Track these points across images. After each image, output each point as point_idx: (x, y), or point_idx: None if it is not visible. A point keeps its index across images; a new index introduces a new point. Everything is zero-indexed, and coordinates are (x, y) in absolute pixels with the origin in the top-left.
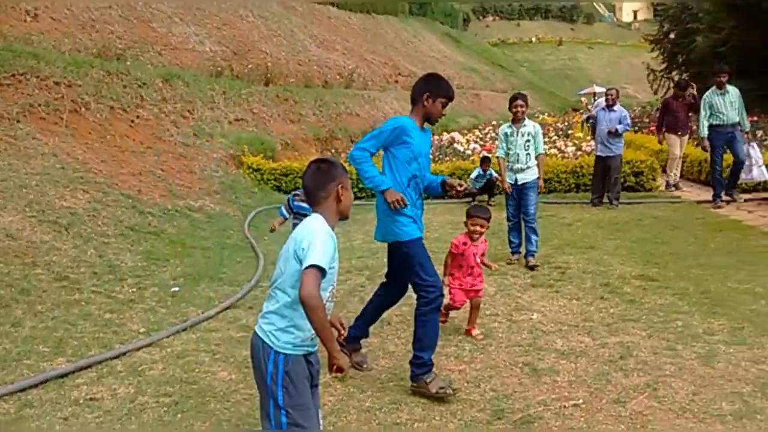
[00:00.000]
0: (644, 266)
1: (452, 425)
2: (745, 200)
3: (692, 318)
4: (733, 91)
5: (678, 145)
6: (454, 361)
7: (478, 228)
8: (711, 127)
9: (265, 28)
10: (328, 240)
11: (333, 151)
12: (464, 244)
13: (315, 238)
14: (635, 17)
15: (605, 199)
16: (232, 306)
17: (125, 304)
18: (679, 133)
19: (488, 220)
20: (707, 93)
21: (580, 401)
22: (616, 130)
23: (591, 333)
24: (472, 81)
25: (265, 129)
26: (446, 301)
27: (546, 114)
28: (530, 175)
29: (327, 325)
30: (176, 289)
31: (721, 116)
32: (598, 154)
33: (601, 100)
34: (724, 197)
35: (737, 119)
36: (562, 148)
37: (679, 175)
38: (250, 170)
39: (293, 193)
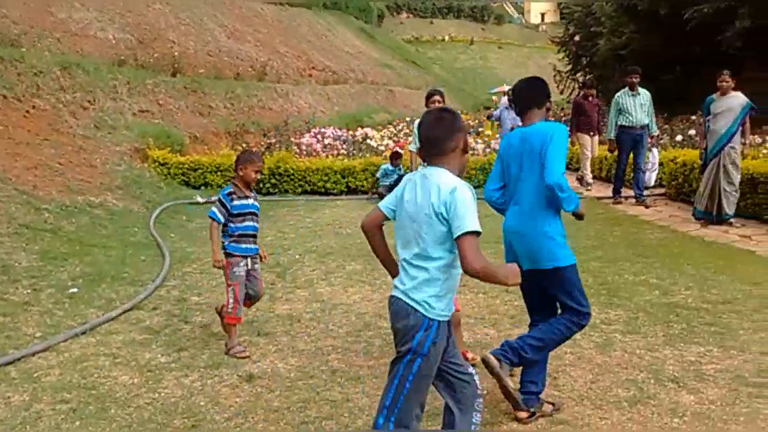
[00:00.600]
0: None
1: (360, 422)
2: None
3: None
4: (644, 93)
5: (590, 145)
6: (364, 357)
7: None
8: (620, 127)
9: (172, 16)
10: (472, 196)
11: (245, 145)
12: None
13: (461, 196)
14: (543, 19)
15: None
16: (135, 307)
17: (19, 307)
18: (591, 133)
19: None
20: (618, 94)
21: (485, 392)
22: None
23: (496, 325)
24: (387, 77)
25: (172, 121)
26: None
27: (459, 111)
28: None
29: (499, 277)
30: (75, 290)
31: (630, 117)
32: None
33: (505, 99)
34: (638, 205)
35: (646, 121)
36: (473, 145)
37: (590, 174)
38: (156, 164)
39: (226, 192)
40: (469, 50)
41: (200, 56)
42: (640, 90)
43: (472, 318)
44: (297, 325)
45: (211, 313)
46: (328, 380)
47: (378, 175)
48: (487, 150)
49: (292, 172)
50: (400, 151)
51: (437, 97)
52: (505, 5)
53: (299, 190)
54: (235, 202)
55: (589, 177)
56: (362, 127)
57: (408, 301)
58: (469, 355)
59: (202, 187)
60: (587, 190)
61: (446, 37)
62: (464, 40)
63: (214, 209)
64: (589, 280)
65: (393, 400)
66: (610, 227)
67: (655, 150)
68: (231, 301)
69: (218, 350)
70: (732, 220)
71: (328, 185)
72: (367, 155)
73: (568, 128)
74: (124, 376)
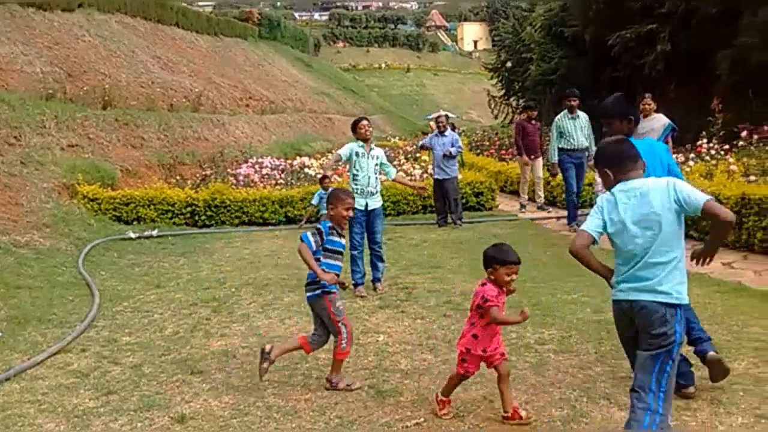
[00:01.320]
0: None
1: None
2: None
3: (525, 329)
4: (582, 116)
5: (529, 168)
6: (301, 390)
7: (514, 276)
8: (561, 150)
9: (103, 48)
10: None
11: (179, 178)
12: (497, 296)
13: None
14: (475, 47)
15: (449, 220)
16: (62, 350)
17: None
18: (531, 156)
19: None
20: (558, 117)
21: (422, 420)
22: (450, 152)
23: (434, 350)
24: (325, 105)
25: (103, 155)
26: (458, 370)
27: (397, 138)
28: (379, 201)
29: None
30: None
31: (571, 140)
32: (436, 177)
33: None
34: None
35: (586, 144)
36: (410, 171)
37: (527, 197)
38: (86, 200)
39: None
40: (406, 77)
41: (132, 88)
42: (579, 113)
43: (410, 344)
44: (232, 361)
45: (142, 353)
46: (263, 416)
47: (314, 201)
48: (425, 175)
49: (228, 203)
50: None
51: (365, 122)
52: (438, 34)
53: (236, 221)
54: (332, 238)
55: (525, 199)
56: (300, 156)
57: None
58: (523, 413)
59: (135, 222)
60: (522, 212)
61: (383, 65)
62: (401, 67)
63: (309, 234)
64: (523, 302)
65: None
66: (544, 248)
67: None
68: (345, 335)
69: (149, 391)
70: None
71: (266, 215)
72: (306, 184)
73: (513, 151)
74: (50, 423)
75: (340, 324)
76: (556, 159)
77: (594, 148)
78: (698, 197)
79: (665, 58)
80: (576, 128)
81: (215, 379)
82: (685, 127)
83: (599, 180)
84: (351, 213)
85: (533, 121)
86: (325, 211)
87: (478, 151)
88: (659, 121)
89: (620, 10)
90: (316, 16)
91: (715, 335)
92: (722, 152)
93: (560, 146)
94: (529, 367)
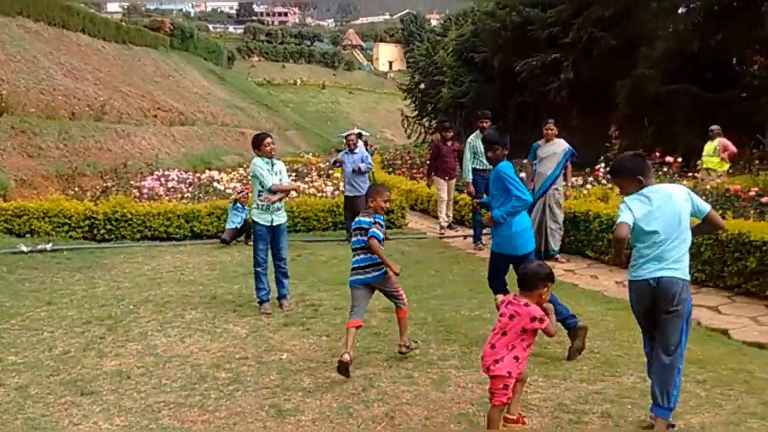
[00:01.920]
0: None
1: None
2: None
3: (429, 346)
4: None
5: (446, 189)
6: (198, 411)
7: (549, 289)
8: (474, 171)
9: (1, 52)
10: None
11: (77, 189)
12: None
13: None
14: (390, 67)
15: None
16: None
17: None
18: (446, 177)
19: None
20: (471, 137)
21: None
22: (360, 168)
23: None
24: (237, 119)
25: None
26: (500, 399)
27: (310, 154)
28: (284, 217)
29: None
30: None
31: (483, 160)
32: (347, 193)
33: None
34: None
35: None
36: (322, 187)
37: (451, 217)
38: None
39: (379, 217)
40: (321, 94)
41: (32, 94)
42: None
43: (315, 362)
44: (126, 382)
45: (29, 373)
46: None
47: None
48: (336, 192)
49: (130, 216)
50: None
51: (269, 140)
52: (354, 53)
53: (138, 236)
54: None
55: (444, 221)
56: (210, 170)
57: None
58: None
59: (28, 235)
60: (441, 233)
61: (298, 81)
62: (316, 84)
63: (377, 231)
64: (428, 318)
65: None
66: (449, 266)
67: None
68: (403, 296)
69: (34, 414)
70: (557, 255)
71: (170, 230)
72: (214, 198)
73: (426, 172)
74: None
75: (400, 290)
76: (470, 178)
77: None
78: (706, 205)
79: (569, 85)
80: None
81: (107, 401)
82: (585, 152)
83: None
84: (388, 205)
85: (448, 142)
86: (230, 226)
87: (390, 169)
88: (560, 145)
89: (527, 38)
90: (231, 28)
91: (606, 350)
92: None
93: (473, 166)
94: (431, 383)
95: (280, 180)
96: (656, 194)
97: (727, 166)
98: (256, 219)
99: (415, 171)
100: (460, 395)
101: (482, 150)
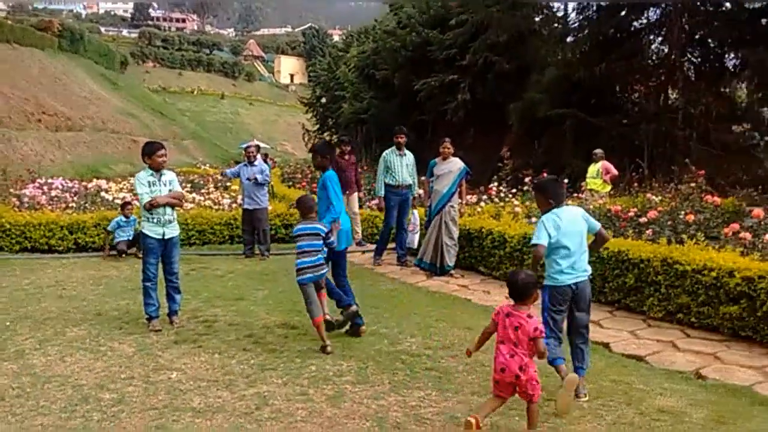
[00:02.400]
0: (288, 315)
1: None
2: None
3: (325, 362)
4: (409, 154)
5: (346, 204)
6: None
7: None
8: (386, 186)
9: None
10: None
11: None
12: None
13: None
14: (292, 80)
15: (257, 251)
16: None
17: None
18: (347, 192)
19: None
20: (386, 152)
21: None
22: (256, 178)
23: (230, 387)
24: (130, 126)
25: None
26: (535, 398)
27: (208, 165)
28: (176, 230)
29: None
30: None
31: (396, 177)
32: (245, 206)
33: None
34: (399, 264)
35: (410, 181)
36: (219, 200)
37: (360, 233)
38: None
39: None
40: (220, 104)
41: None
42: (406, 151)
43: (206, 381)
44: (0, 404)
45: None
46: None
47: (110, 228)
48: (233, 205)
49: (8, 227)
50: (129, 201)
51: (163, 151)
52: (255, 64)
53: (17, 247)
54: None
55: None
56: (99, 179)
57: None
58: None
59: None
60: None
61: (196, 90)
62: (215, 93)
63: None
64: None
65: None
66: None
67: (415, 212)
68: None
69: None
70: (452, 271)
71: (52, 242)
72: (102, 209)
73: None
74: None
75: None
76: (382, 193)
77: (416, 187)
78: (597, 223)
79: (465, 106)
80: (402, 165)
81: None
82: (480, 171)
83: (414, 220)
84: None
85: (347, 156)
86: (122, 239)
87: (290, 183)
88: (456, 164)
89: (426, 58)
90: (125, 32)
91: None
92: (510, 195)
93: (387, 182)
94: (326, 399)
95: (170, 190)
96: (565, 215)
97: (608, 187)
98: (146, 232)
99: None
100: (355, 411)
101: (396, 166)
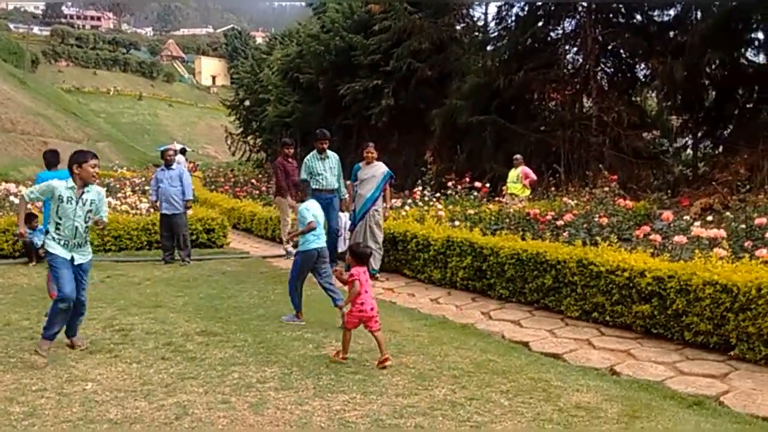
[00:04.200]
0: (209, 322)
1: None
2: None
3: (248, 368)
4: (333, 157)
5: (290, 210)
6: None
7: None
8: (313, 192)
9: None
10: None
11: None
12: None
13: None
14: (214, 82)
15: (177, 257)
16: None
17: None
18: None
19: None
20: (308, 157)
21: None
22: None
23: (148, 396)
24: (41, 127)
25: None
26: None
27: (125, 168)
28: (89, 254)
29: None
30: None
31: (321, 180)
32: (163, 212)
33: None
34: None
35: (336, 185)
36: (137, 204)
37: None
38: None
39: None
40: (138, 105)
41: None
42: (329, 153)
43: (123, 392)
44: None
45: None
46: None
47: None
48: (152, 210)
49: None
50: (34, 212)
51: (96, 161)
52: (174, 64)
53: None
54: None
55: (290, 245)
56: (7, 182)
57: None
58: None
59: None
60: (287, 259)
61: (112, 90)
62: (132, 94)
63: None
64: (248, 340)
65: None
66: (272, 285)
67: (343, 215)
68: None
69: None
70: (378, 275)
71: None
72: (10, 214)
73: (274, 194)
74: None
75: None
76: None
77: (344, 190)
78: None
79: (389, 111)
80: (326, 168)
81: None
82: (404, 175)
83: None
84: None
85: (290, 159)
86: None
87: (213, 187)
88: (380, 168)
89: (351, 63)
90: (36, 30)
91: (420, 365)
92: (433, 199)
93: (314, 187)
94: (249, 407)
95: (90, 213)
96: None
97: (528, 192)
98: (52, 251)
99: (238, 189)
100: (279, 417)
101: (318, 170)
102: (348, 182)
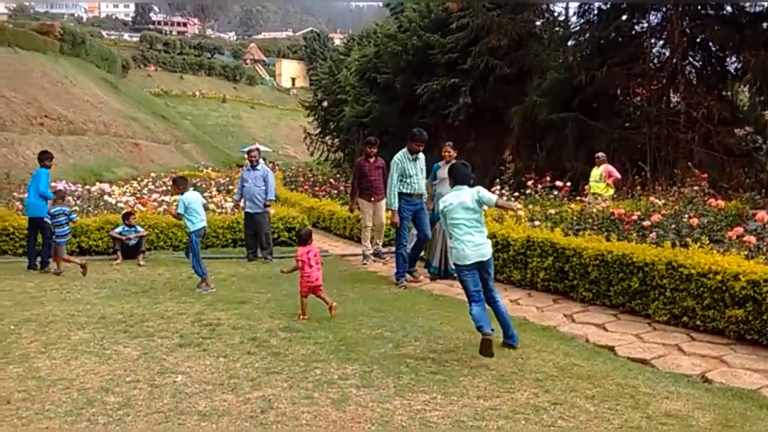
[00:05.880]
0: (291, 318)
1: None
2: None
3: (330, 365)
4: (421, 158)
5: (370, 213)
6: None
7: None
8: (401, 195)
9: None
10: None
11: None
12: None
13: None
14: (293, 84)
15: (260, 254)
16: None
17: None
18: (372, 199)
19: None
20: (399, 156)
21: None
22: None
23: (235, 390)
24: (132, 130)
25: None
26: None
27: (210, 168)
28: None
29: None
30: None
31: (413, 184)
32: (247, 210)
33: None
34: (408, 278)
35: (424, 189)
36: (222, 203)
37: (381, 245)
38: None
39: None
40: (222, 107)
41: None
42: (420, 155)
43: (211, 384)
44: (6, 408)
45: None
46: None
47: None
48: (236, 210)
49: (12, 230)
50: (131, 211)
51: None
52: (256, 67)
53: (21, 250)
54: None
55: (367, 248)
56: (102, 182)
57: None
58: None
59: None
60: (364, 263)
61: (197, 93)
62: (216, 97)
63: None
64: (329, 337)
65: None
66: (350, 283)
67: None
68: None
69: None
70: (455, 274)
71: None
72: (104, 212)
73: (350, 195)
74: None
75: None
76: (395, 206)
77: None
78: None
79: (467, 109)
80: (417, 171)
81: None
82: (482, 174)
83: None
84: None
85: (371, 159)
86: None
87: (293, 186)
88: None
89: (428, 62)
90: (126, 36)
91: (502, 367)
92: (512, 198)
93: (401, 190)
94: (331, 403)
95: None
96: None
97: (611, 191)
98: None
99: (317, 189)
100: (360, 414)
101: (411, 172)
102: (427, 181)
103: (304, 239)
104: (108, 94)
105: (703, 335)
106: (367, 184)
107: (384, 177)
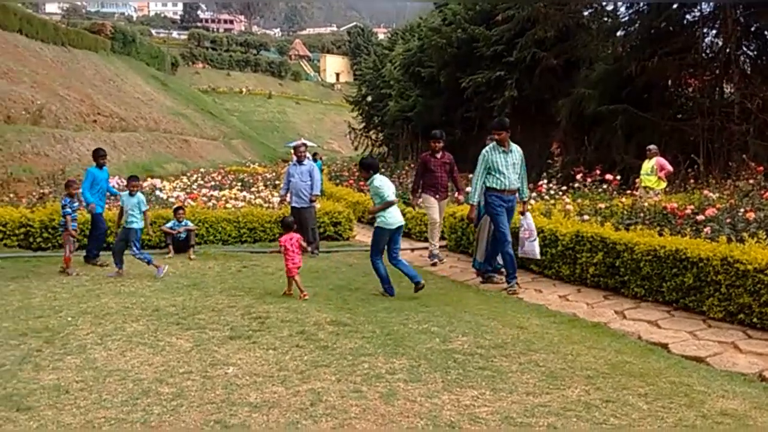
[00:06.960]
0: (338, 312)
1: None
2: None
3: (377, 359)
4: (516, 151)
5: (437, 209)
6: (140, 427)
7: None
8: (490, 191)
9: None
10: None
11: (12, 195)
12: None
13: None
14: (338, 79)
15: (307, 248)
16: None
17: None
18: (438, 195)
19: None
20: (487, 149)
21: None
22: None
23: (285, 382)
24: (181, 126)
25: None
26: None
27: (257, 164)
28: None
29: None
30: None
31: (501, 179)
32: (293, 205)
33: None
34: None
35: (518, 185)
36: (269, 198)
37: (437, 244)
38: None
39: None
40: (267, 103)
41: None
42: (513, 146)
43: (261, 376)
44: (65, 397)
45: None
46: None
47: (167, 226)
48: (283, 204)
49: None
50: (182, 206)
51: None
52: (301, 63)
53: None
54: None
55: (435, 247)
56: (153, 178)
57: None
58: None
59: None
60: (434, 263)
61: (244, 90)
62: (262, 93)
63: None
64: (376, 331)
65: None
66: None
67: (528, 215)
68: None
69: None
70: (502, 269)
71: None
72: (157, 207)
73: (411, 190)
74: None
75: None
76: (475, 201)
77: (527, 191)
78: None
79: (512, 102)
80: (508, 164)
81: (44, 417)
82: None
83: (527, 225)
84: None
85: (437, 154)
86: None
87: (338, 181)
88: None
89: (472, 55)
90: (175, 34)
91: (551, 363)
92: (560, 192)
93: (489, 185)
94: (379, 397)
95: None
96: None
97: (663, 184)
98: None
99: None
100: (408, 409)
101: (500, 166)
102: (472, 175)
103: (288, 227)
104: (158, 91)
105: (761, 333)
106: (433, 180)
107: (454, 173)
